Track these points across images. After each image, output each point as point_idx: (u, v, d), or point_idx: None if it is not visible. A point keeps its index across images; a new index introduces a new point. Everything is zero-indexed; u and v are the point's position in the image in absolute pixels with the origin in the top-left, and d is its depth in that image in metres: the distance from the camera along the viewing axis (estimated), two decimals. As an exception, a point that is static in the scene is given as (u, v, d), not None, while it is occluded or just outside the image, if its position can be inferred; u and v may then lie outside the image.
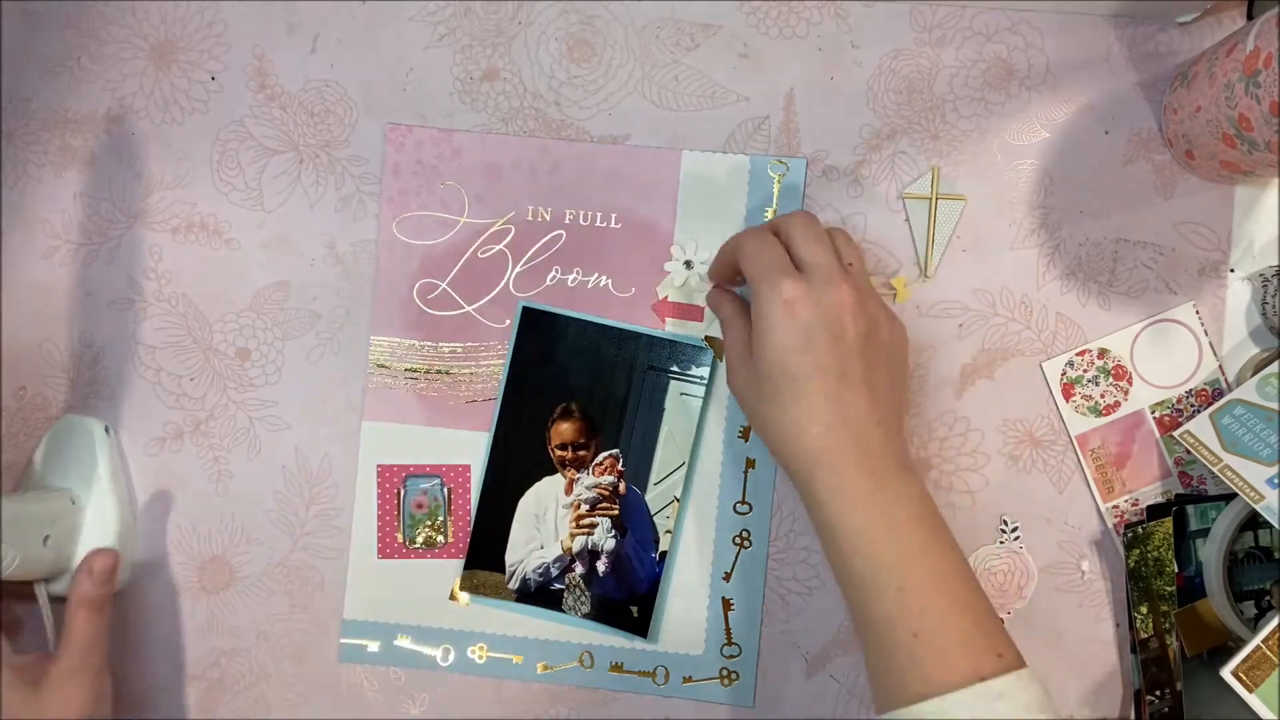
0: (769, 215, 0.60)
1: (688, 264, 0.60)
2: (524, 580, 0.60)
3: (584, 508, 0.60)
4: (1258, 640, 0.52)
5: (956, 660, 0.45)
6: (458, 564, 0.61)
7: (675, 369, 0.60)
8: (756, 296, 0.50)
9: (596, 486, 0.60)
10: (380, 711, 0.61)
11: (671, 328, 0.60)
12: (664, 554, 0.59)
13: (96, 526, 0.59)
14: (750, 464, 0.60)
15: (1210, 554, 0.56)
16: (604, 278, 0.61)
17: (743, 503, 0.60)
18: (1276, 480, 0.52)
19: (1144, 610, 0.57)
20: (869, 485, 0.48)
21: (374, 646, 0.61)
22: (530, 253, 0.61)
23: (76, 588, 0.54)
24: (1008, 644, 0.46)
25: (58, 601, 0.60)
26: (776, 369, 0.49)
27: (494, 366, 0.61)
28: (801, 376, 0.48)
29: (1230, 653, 0.53)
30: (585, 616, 0.59)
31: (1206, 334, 0.59)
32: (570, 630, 0.60)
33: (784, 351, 0.48)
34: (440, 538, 0.61)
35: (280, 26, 0.62)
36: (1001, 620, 0.49)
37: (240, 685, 0.62)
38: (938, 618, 0.46)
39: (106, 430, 0.61)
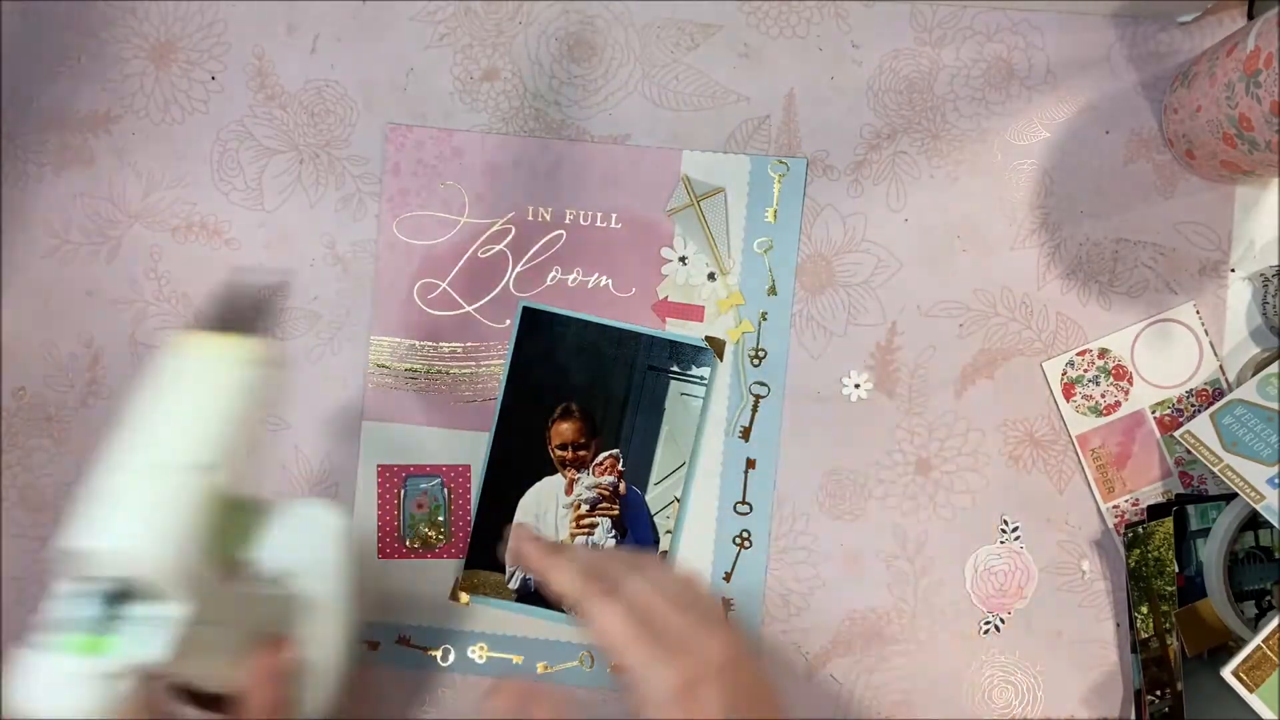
0: (769, 215, 0.60)
1: (683, 259, 0.60)
2: (524, 580, 0.60)
3: (584, 508, 0.60)
4: (1258, 640, 0.52)
5: None
6: (458, 564, 0.61)
7: (675, 369, 0.60)
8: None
9: (596, 486, 0.60)
10: (381, 711, 0.61)
11: (671, 328, 0.60)
12: (664, 554, 0.59)
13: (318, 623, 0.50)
14: (750, 464, 0.60)
15: (1211, 554, 0.56)
16: (604, 278, 0.61)
17: (743, 503, 0.60)
18: (1277, 480, 0.52)
19: (1144, 610, 0.57)
20: None
21: (374, 647, 0.61)
22: (530, 253, 0.61)
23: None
24: None
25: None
26: None
27: (494, 366, 0.61)
28: None
29: (1230, 653, 0.53)
30: (585, 616, 0.59)
31: (1207, 334, 0.59)
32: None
33: None
34: (440, 538, 0.61)
35: (280, 26, 0.62)
36: None
37: (240, 685, 0.62)
38: None
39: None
